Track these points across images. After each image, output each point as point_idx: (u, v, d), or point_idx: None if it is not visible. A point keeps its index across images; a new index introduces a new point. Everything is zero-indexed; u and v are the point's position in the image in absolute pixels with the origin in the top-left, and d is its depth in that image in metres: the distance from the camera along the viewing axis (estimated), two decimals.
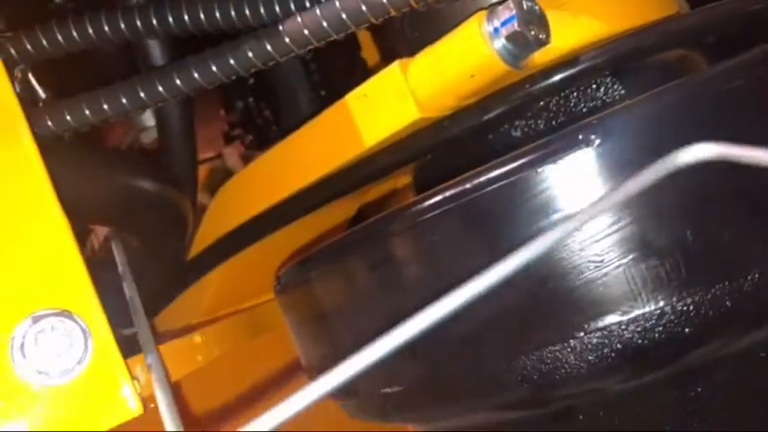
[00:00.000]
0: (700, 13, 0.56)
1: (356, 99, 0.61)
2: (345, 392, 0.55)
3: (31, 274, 0.40)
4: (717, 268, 0.43)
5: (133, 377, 0.41)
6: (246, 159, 1.70)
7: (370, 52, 0.91)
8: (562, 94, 0.58)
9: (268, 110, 1.13)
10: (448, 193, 0.47)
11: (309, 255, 0.57)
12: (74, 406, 0.39)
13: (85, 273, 0.41)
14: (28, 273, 0.40)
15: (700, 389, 0.47)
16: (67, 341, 0.38)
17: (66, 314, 0.39)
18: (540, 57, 0.55)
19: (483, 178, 0.46)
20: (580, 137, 0.44)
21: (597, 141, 0.43)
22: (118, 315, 0.44)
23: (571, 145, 0.44)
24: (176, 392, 0.46)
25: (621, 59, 0.55)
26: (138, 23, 0.66)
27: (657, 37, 0.55)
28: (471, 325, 0.46)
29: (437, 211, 0.47)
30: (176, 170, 0.78)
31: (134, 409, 0.40)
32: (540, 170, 0.44)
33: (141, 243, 0.73)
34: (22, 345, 0.38)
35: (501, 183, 0.45)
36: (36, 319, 0.38)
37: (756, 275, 0.43)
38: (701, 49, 0.59)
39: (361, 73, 1.07)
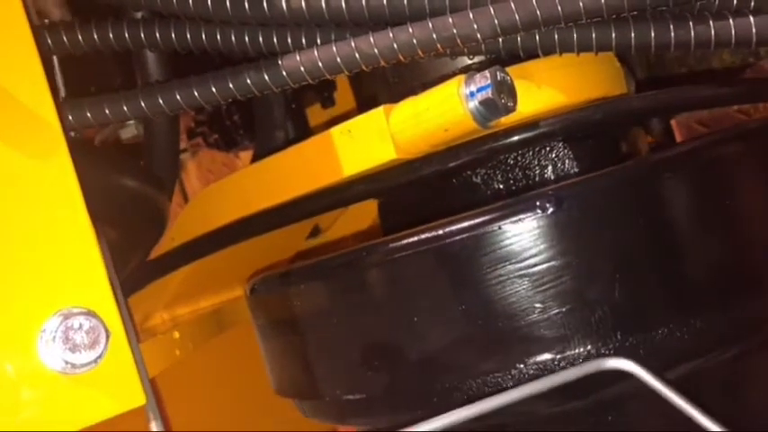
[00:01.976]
0: (645, 97, 0.66)
1: (340, 133, 0.68)
2: (309, 395, 0.63)
3: (61, 274, 0.46)
4: (635, 323, 0.53)
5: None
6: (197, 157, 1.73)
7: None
8: (519, 152, 0.67)
9: (238, 114, 1.19)
10: (424, 236, 0.55)
11: (290, 269, 0.64)
12: (92, 393, 0.45)
13: (107, 277, 0.47)
14: (58, 273, 0.46)
15: (612, 417, 0.57)
16: (92, 338, 0.44)
17: (92, 314, 0.45)
18: (506, 118, 0.63)
19: (454, 227, 0.54)
20: (537, 203, 0.52)
21: (551, 209, 0.52)
22: None
23: (529, 209, 0.53)
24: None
25: (574, 129, 0.64)
26: (142, 35, 0.72)
27: (607, 113, 0.64)
28: (431, 347, 0.54)
29: (412, 250, 0.55)
30: (158, 169, 0.83)
31: (140, 398, 0.47)
32: (501, 227, 0.53)
33: (119, 237, 0.78)
34: (54, 338, 0.44)
35: (468, 233, 0.53)
36: (66, 316, 0.44)
37: (665, 330, 0.53)
38: (643, 127, 0.69)
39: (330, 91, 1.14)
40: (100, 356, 0.45)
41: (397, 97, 0.67)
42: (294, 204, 0.70)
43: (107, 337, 0.45)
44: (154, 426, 0.51)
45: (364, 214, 1.01)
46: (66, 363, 0.44)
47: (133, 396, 0.46)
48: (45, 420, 0.44)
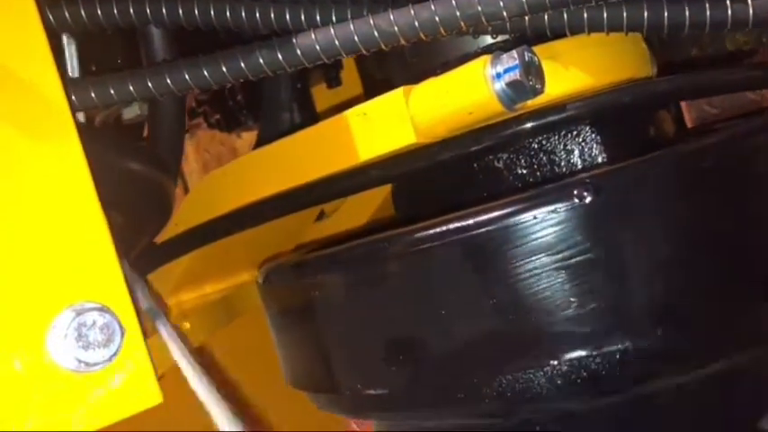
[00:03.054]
0: (675, 80, 0.63)
1: (356, 116, 0.65)
2: (326, 388, 0.61)
3: (73, 268, 0.43)
4: (676, 319, 0.51)
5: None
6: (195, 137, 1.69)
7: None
8: (544, 136, 0.64)
9: (241, 94, 1.15)
10: (452, 225, 0.52)
11: (308, 258, 0.61)
12: (106, 393, 0.42)
13: (120, 271, 0.44)
14: (70, 267, 0.43)
15: (642, 412, 0.55)
16: (106, 335, 0.42)
17: (106, 309, 0.42)
18: (532, 101, 0.61)
19: (484, 216, 0.52)
20: (575, 192, 0.50)
21: (588, 198, 0.49)
22: None
23: (565, 197, 0.50)
24: None
25: (602, 112, 0.62)
26: (148, 10, 0.68)
27: (637, 95, 0.62)
28: (459, 342, 0.52)
29: (440, 241, 0.52)
30: (163, 151, 0.80)
31: (156, 397, 0.44)
32: (535, 217, 0.50)
33: (124, 222, 0.75)
34: (65, 335, 0.41)
35: (500, 223, 0.51)
36: (79, 312, 0.41)
37: (707, 326, 0.51)
38: (668, 110, 0.66)
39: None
40: (114, 354, 0.42)
41: (415, 78, 0.64)
42: (307, 189, 0.67)
43: (122, 334, 0.42)
44: None
45: (371, 199, 0.98)
46: (80, 361, 0.41)
47: (150, 395, 0.44)
48: (57, 421, 0.42)
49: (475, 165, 0.66)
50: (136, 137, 0.92)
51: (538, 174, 0.64)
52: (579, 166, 0.63)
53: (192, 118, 1.31)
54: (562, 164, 0.64)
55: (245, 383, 0.99)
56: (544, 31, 0.62)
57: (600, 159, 0.63)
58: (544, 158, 0.64)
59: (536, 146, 0.64)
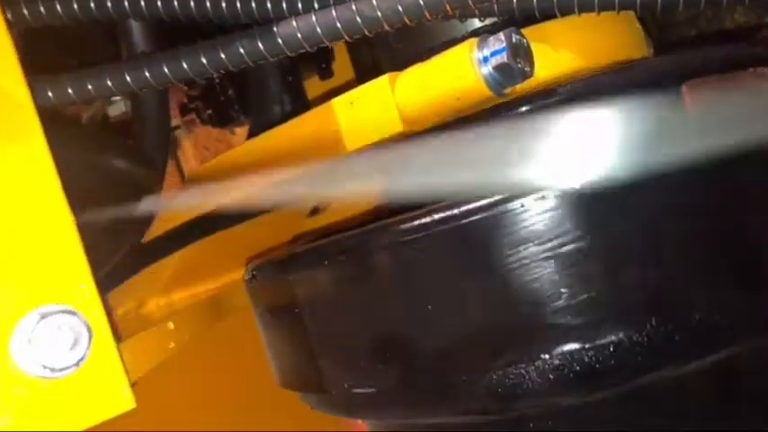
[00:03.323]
0: (670, 60, 0.61)
1: (342, 105, 0.63)
2: (314, 387, 0.59)
3: (38, 270, 0.41)
4: (670, 308, 0.48)
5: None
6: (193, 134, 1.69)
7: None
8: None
9: (232, 89, 1.13)
10: (437, 216, 0.50)
11: (291, 253, 0.60)
12: (74, 399, 0.40)
13: (89, 272, 0.42)
14: (34, 268, 0.41)
15: (638, 407, 0.53)
16: (72, 338, 0.40)
17: (72, 311, 0.40)
18: (522, 84, 0.58)
19: (471, 206, 0.50)
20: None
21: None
22: None
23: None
24: None
25: (596, 94, 0.59)
26: (125, 3, 0.66)
27: (631, 77, 0.59)
28: (448, 337, 0.50)
29: (425, 232, 0.50)
30: (147, 149, 0.78)
31: (129, 402, 0.42)
32: (523, 205, 0.48)
33: (109, 221, 0.73)
34: (29, 340, 0.39)
35: (487, 212, 0.49)
36: (44, 315, 0.40)
37: (699, 316, 0.48)
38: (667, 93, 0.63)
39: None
40: (82, 359, 0.40)
41: (402, 64, 0.62)
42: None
43: (90, 337, 0.40)
44: None
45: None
46: (45, 367, 0.39)
47: (121, 400, 0.42)
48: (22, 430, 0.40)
49: None
50: (124, 135, 0.90)
51: None
52: None
53: (185, 114, 1.30)
54: None
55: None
56: (533, 13, 0.59)
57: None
58: None
59: None
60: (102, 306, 0.42)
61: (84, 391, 0.41)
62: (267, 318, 0.65)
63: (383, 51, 0.71)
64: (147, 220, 0.77)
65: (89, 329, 0.41)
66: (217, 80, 1.11)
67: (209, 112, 1.21)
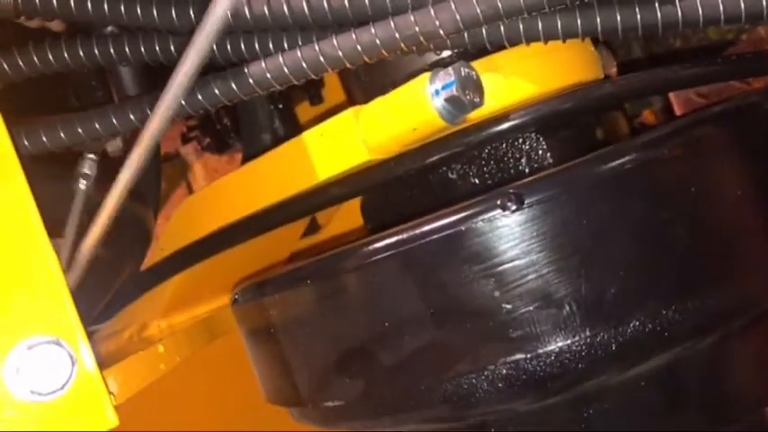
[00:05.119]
0: (617, 83, 0.65)
1: (313, 137, 0.68)
2: (292, 402, 0.63)
3: (25, 304, 0.46)
4: (604, 317, 0.52)
5: (109, 392, 0.48)
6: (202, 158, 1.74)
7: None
8: (492, 146, 0.66)
9: (227, 118, 1.19)
10: (389, 240, 0.55)
11: (266, 278, 0.64)
12: (61, 420, 0.45)
13: (72, 304, 0.47)
14: (21, 303, 0.46)
15: (591, 411, 0.56)
16: (57, 365, 0.45)
17: (57, 341, 0.45)
18: (477, 112, 0.63)
19: (419, 230, 0.54)
20: (498, 202, 0.52)
21: (513, 207, 0.51)
22: None
23: (490, 208, 0.52)
24: None
25: (545, 119, 0.63)
26: (111, 50, 0.72)
27: (577, 101, 0.63)
28: (407, 352, 0.54)
29: (380, 255, 0.55)
30: (140, 184, 0.83)
31: (112, 421, 0.47)
32: (464, 228, 0.52)
33: (106, 253, 0.78)
34: (18, 369, 0.44)
35: (434, 236, 0.53)
36: (31, 346, 0.45)
37: (637, 323, 0.52)
38: (622, 111, 0.67)
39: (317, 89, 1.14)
40: (66, 383, 0.45)
41: (370, 97, 0.67)
42: (271, 211, 0.70)
43: (73, 363, 0.45)
44: None
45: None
46: (32, 392, 0.44)
47: (104, 421, 0.47)
48: None
49: (430, 177, 0.68)
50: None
51: (489, 182, 0.66)
52: (528, 172, 0.65)
53: (185, 142, 1.36)
54: (512, 171, 0.65)
55: None
56: (484, 45, 0.64)
57: (547, 163, 0.65)
58: (494, 167, 0.66)
59: (485, 156, 0.66)
60: (84, 335, 0.47)
61: (71, 413, 0.46)
62: (249, 337, 0.70)
63: (355, 85, 0.75)
64: (142, 252, 0.82)
65: (72, 357, 0.45)
66: (213, 110, 1.17)
67: (208, 140, 1.27)
